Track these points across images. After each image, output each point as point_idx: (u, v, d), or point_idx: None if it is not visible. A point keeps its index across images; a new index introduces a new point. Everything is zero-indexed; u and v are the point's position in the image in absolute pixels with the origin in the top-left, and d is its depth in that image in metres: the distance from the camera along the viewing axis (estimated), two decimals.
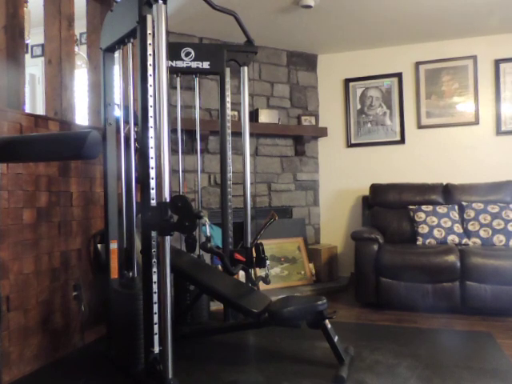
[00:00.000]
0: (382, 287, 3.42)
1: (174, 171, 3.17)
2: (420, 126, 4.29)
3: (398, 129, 4.36)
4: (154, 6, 1.83)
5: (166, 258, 1.81)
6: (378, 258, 3.45)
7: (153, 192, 1.89)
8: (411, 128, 4.33)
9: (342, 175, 4.52)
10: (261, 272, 3.05)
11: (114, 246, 2.42)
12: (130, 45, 2.26)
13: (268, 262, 2.87)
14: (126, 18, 2.06)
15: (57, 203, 2.55)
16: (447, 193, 3.95)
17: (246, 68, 3.00)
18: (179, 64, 2.90)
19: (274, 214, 3.03)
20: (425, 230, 3.68)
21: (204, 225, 3.41)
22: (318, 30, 3.91)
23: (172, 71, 2.89)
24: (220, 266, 3.11)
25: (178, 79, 3.07)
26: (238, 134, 3.05)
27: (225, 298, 2.54)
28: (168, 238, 1.83)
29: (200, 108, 3.36)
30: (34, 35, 3.52)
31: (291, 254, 4.16)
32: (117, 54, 2.39)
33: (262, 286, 3.12)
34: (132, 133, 2.31)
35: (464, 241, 3.58)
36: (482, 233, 3.59)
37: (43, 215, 2.45)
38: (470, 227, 3.65)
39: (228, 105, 3.01)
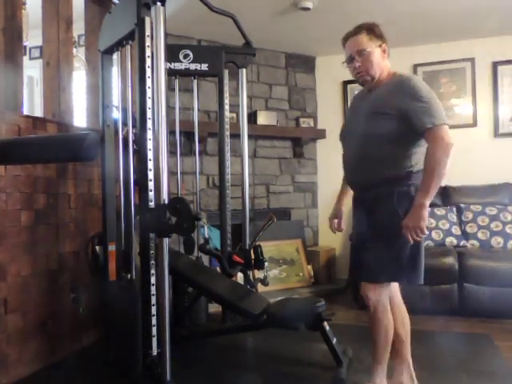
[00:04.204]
0: None
1: (172, 173, 3.16)
2: None
3: None
4: (153, 8, 1.83)
5: (165, 259, 1.81)
6: None
7: (151, 194, 1.88)
8: None
9: (341, 177, 4.49)
10: (259, 274, 3.04)
11: (112, 247, 2.41)
12: (128, 47, 2.26)
13: (266, 263, 2.87)
14: (124, 20, 2.06)
15: (55, 205, 2.55)
16: (445, 195, 3.95)
17: (244, 70, 2.99)
18: (178, 66, 2.90)
19: (273, 215, 3.03)
20: None
21: (202, 227, 3.41)
22: (317, 32, 3.91)
23: (170, 73, 2.89)
24: (218, 268, 3.10)
25: (177, 81, 3.07)
26: (236, 135, 3.05)
27: (223, 299, 2.54)
28: (166, 239, 1.82)
29: (198, 110, 3.36)
30: (33, 37, 3.51)
31: (290, 256, 4.16)
32: (115, 56, 2.38)
33: (260, 287, 3.11)
34: (130, 135, 2.30)
35: (462, 243, 3.58)
36: (480, 235, 3.59)
37: (41, 217, 2.44)
38: (468, 229, 3.65)
39: (226, 107, 3.00)
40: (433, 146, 1.75)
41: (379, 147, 1.86)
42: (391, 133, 1.83)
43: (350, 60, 1.96)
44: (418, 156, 1.86)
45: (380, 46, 1.94)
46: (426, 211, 1.75)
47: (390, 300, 1.98)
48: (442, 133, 1.75)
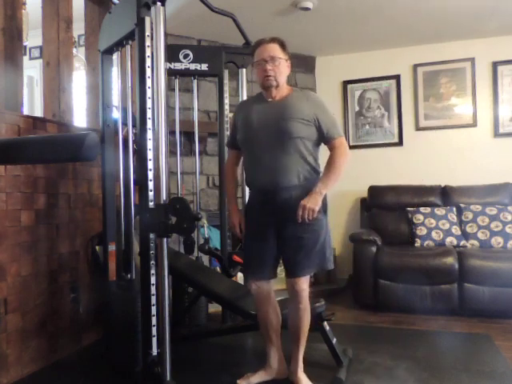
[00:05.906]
0: (380, 289, 3.42)
1: (172, 173, 3.16)
2: (418, 128, 4.30)
3: (396, 131, 4.37)
4: (153, 8, 1.84)
5: (164, 259, 1.81)
6: (377, 259, 3.45)
7: (151, 194, 1.88)
8: (409, 130, 4.33)
9: (340, 177, 4.51)
10: None
11: (112, 247, 2.41)
12: (128, 47, 2.26)
13: None
14: (124, 20, 2.07)
15: (55, 205, 2.55)
16: (445, 195, 3.96)
17: (244, 70, 3.00)
18: (177, 66, 2.90)
19: None
20: (423, 231, 3.69)
21: (202, 227, 3.41)
22: (317, 32, 3.91)
23: (170, 73, 2.89)
24: (218, 268, 3.10)
25: (177, 81, 3.08)
26: None
27: (223, 299, 2.54)
28: (166, 239, 1.82)
29: (198, 110, 3.36)
30: (33, 37, 3.52)
31: None
32: (115, 56, 2.38)
33: None
34: (130, 135, 2.31)
35: (462, 243, 3.58)
36: (480, 235, 3.59)
37: (41, 217, 2.45)
38: (468, 229, 3.65)
39: (226, 106, 3.00)
40: (339, 151, 2.09)
41: (300, 148, 2.06)
42: (309, 136, 2.08)
43: (263, 63, 2.09)
44: (319, 157, 2.17)
45: (287, 60, 2.16)
46: (321, 199, 2.04)
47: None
48: (344, 142, 2.14)
